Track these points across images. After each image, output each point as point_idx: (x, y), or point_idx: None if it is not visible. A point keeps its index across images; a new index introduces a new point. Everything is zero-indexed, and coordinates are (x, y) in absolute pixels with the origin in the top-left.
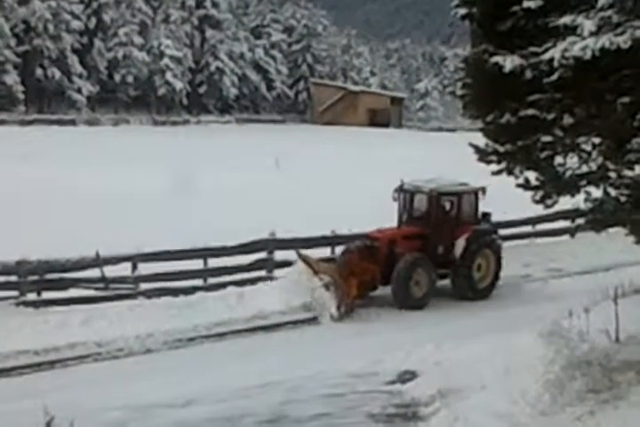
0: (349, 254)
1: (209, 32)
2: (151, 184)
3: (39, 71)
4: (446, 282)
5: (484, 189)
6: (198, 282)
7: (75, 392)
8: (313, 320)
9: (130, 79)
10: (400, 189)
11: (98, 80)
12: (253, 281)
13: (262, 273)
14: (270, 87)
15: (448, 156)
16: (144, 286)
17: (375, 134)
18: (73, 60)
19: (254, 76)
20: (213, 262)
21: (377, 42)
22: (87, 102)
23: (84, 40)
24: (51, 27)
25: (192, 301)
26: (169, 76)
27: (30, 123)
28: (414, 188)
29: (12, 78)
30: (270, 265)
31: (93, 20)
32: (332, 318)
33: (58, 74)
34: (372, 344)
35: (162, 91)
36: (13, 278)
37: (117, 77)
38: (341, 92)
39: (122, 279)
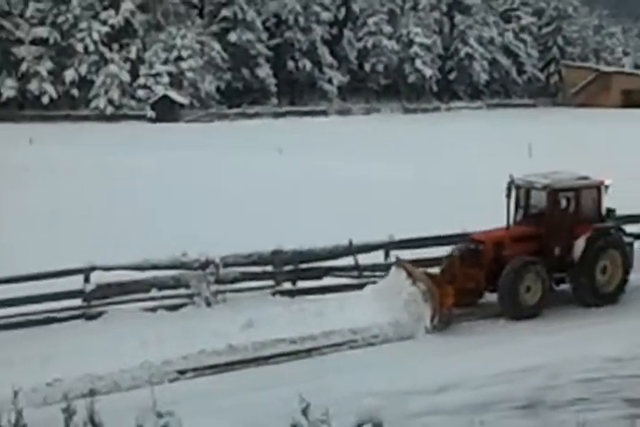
0: (451, 259)
1: (458, 18)
2: (407, 172)
3: (291, 63)
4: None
5: (606, 184)
6: None
7: (330, 380)
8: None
9: (380, 68)
10: (512, 185)
11: (348, 70)
12: None
13: None
14: (520, 71)
15: None
16: None
17: (628, 115)
18: (323, 51)
19: (504, 61)
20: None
21: (629, 21)
22: (338, 92)
23: (334, 31)
24: (301, 19)
25: None
26: (419, 63)
27: (283, 115)
28: (527, 183)
29: (264, 71)
30: None
31: (343, 11)
32: (427, 331)
33: (309, 65)
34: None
35: (412, 78)
36: (269, 268)
37: (367, 67)
38: (594, 73)
39: (374, 267)
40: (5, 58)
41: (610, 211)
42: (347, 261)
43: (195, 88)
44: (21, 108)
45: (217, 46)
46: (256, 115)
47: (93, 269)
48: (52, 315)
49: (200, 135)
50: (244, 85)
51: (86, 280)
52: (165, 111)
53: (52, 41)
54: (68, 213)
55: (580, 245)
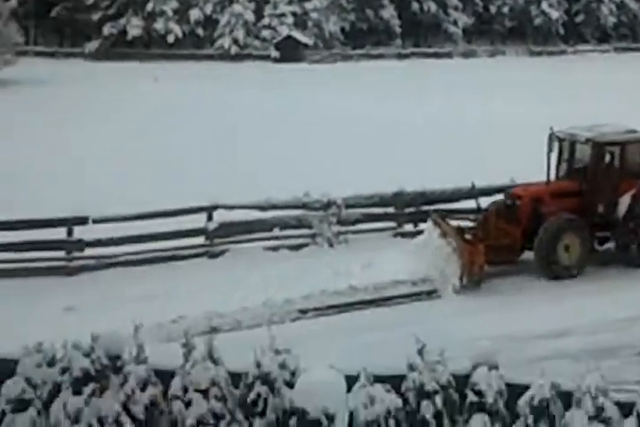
0: (486, 214)
1: None
2: (532, 115)
3: (415, 5)
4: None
5: None
6: None
7: (447, 322)
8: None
9: (505, 10)
10: (554, 138)
11: (473, 12)
12: None
13: None
14: None
15: None
16: None
17: None
18: None
19: (633, 4)
20: None
21: None
22: (463, 34)
23: None
24: None
25: None
26: (545, 5)
27: (407, 56)
28: (569, 136)
29: (388, 13)
30: None
31: None
32: (454, 290)
33: (434, 7)
34: None
35: (538, 21)
36: (391, 210)
37: (493, 9)
38: None
39: None
40: None
41: None
42: (469, 204)
43: (319, 28)
44: (147, 46)
45: None
46: (380, 56)
47: (216, 207)
48: (175, 252)
49: (325, 75)
50: (368, 26)
51: (209, 219)
52: (289, 51)
53: None
54: (194, 150)
55: (625, 202)
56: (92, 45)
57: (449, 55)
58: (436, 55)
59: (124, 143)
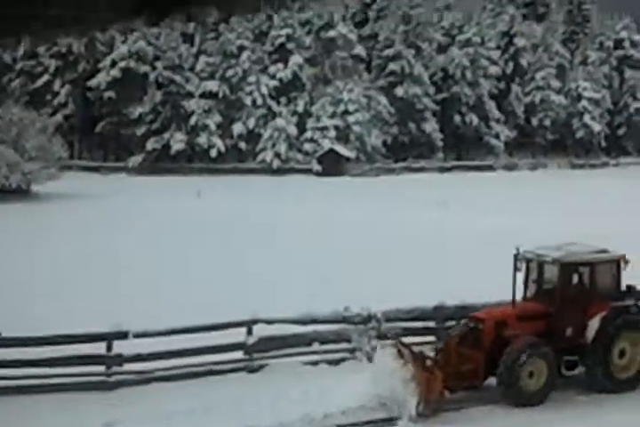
0: (448, 339)
1: (628, 72)
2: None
3: (457, 118)
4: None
5: (626, 258)
6: None
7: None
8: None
9: (547, 123)
10: (520, 257)
11: (515, 125)
12: None
13: None
14: None
15: None
16: None
17: None
18: (490, 106)
19: None
20: None
21: None
22: (505, 147)
23: (502, 85)
24: (468, 73)
25: None
26: (587, 118)
27: (449, 169)
28: (536, 256)
29: (430, 126)
30: None
31: (510, 65)
32: (410, 419)
33: (475, 120)
34: None
35: (580, 133)
36: (431, 324)
37: (535, 121)
38: None
39: None
40: (175, 111)
41: (630, 288)
42: None
43: (361, 142)
44: (190, 161)
45: (384, 100)
46: (422, 169)
47: (256, 322)
48: (215, 367)
49: (365, 189)
50: (410, 139)
51: (249, 333)
52: (332, 165)
53: (221, 94)
54: (232, 265)
55: (594, 325)
56: (135, 159)
57: (491, 168)
58: (478, 168)
59: (167, 257)
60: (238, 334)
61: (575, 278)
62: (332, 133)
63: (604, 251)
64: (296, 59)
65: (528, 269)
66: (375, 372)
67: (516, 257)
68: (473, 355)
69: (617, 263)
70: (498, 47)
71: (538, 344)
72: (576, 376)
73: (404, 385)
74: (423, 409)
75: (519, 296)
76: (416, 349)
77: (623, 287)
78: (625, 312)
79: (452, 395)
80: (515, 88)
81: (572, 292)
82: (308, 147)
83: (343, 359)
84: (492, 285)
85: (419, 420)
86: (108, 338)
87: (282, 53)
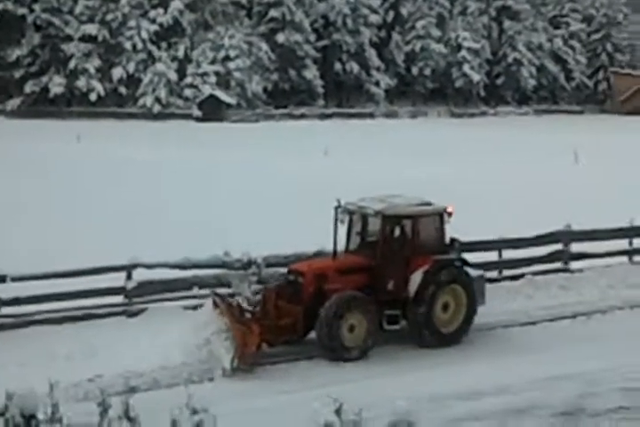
0: (266, 292)
1: (507, 23)
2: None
3: (338, 65)
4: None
5: (449, 211)
6: (492, 274)
7: (369, 382)
8: None
9: (427, 72)
10: (343, 210)
11: (395, 73)
12: (548, 273)
13: (558, 265)
14: (569, 78)
15: None
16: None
17: None
18: (371, 54)
19: (552, 67)
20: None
21: None
22: (385, 95)
23: (382, 34)
24: (349, 21)
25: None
26: (466, 68)
27: (329, 116)
28: (358, 208)
29: (311, 73)
30: (566, 257)
31: (391, 14)
32: (225, 373)
33: (356, 68)
34: None
35: (459, 83)
36: None
37: (415, 70)
38: None
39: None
40: (54, 55)
41: (454, 241)
42: None
43: (242, 88)
44: (69, 104)
45: (264, 47)
46: (302, 116)
47: (135, 266)
48: (93, 311)
49: (245, 135)
50: (291, 86)
51: (128, 277)
52: (212, 110)
53: (100, 38)
54: (114, 210)
55: (416, 278)
56: (13, 103)
57: (371, 115)
58: (359, 115)
59: (44, 201)
60: (118, 279)
61: (397, 231)
62: (213, 79)
63: (428, 204)
64: (176, 4)
65: (351, 221)
66: (196, 323)
67: (336, 209)
68: (292, 309)
69: (440, 216)
70: None
71: (357, 298)
72: (399, 331)
73: (219, 338)
74: (238, 364)
75: (342, 249)
76: (234, 301)
77: (447, 241)
78: (448, 266)
79: (271, 349)
80: (395, 37)
81: (393, 245)
82: (188, 92)
83: None
84: None
85: (234, 375)
86: None
87: None
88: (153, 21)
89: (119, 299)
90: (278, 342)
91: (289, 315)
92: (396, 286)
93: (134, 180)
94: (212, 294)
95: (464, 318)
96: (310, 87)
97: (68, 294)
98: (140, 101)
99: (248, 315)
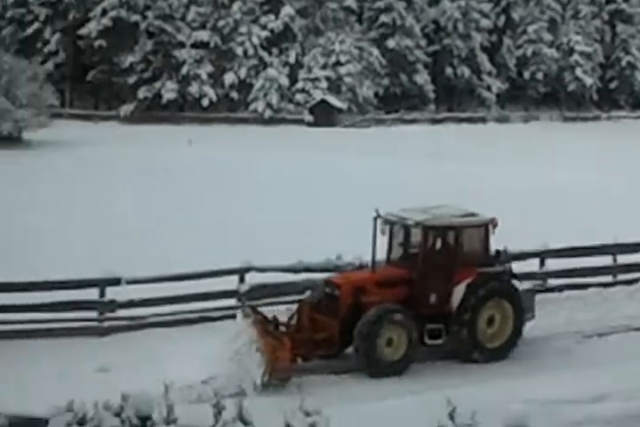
0: (301, 305)
1: (620, 26)
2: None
3: (449, 70)
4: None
5: (495, 222)
6: (606, 278)
7: (476, 386)
8: None
9: (539, 76)
10: (383, 220)
11: (507, 77)
12: None
13: None
14: None
15: None
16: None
17: None
18: (482, 59)
19: None
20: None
21: None
22: (497, 100)
23: (493, 38)
24: (460, 26)
25: (599, 295)
26: (579, 72)
27: (440, 121)
28: (399, 219)
29: (422, 78)
30: None
31: (502, 18)
32: (255, 388)
33: (467, 72)
34: None
35: (572, 87)
36: None
37: (526, 74)
38: None
39: (530, 275)
40: (167, 61)
41: (499, 253)
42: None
43: (352, 93)
44: (181, 110)
45: (375, 52)
46: (413, 120)
47: (248, 269)
48: (207, 314)
49: (356, 140)
50: (402, 91)
51: (241, 280)
52: (323, 116)
53: (212, 44)
54: (226, 214)
55: (459, 292)
56: (126, 108)
57: (483, 120)
58: (470, 120)
59: (156, 204)
60: (230, 282)
61: (439, 243)
62: (324, 84)
63: (473, 214)
64: (287, 10)
65: (392, 232)
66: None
67: (375, 220)
68: (328, 322)
69: (485, 227)
70: (490, 0)
71: (396, 311)
72: (442, 346)
73: (249, 352)
74: (269, 379)
75: (384, 260)
76: (269, 313)
77: (492, 252)
78: (493, 279)
79: (306, 363)
80: (506, 41)
81: (435, 257)
82: (299, 97)
83: None
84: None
85: (265, 390)
86: (101, 284)
87: (273, 4)
88: (264, 27)
89: (232, 302)
90: (314, 357)
91: (325, 329)
92: (438, 300)
93: (244, 184)
94: (245, 306)
95: (511, 332)
96: (421, 92)
97: (182, 297)
98: (252, 107)
99: (283, 328)
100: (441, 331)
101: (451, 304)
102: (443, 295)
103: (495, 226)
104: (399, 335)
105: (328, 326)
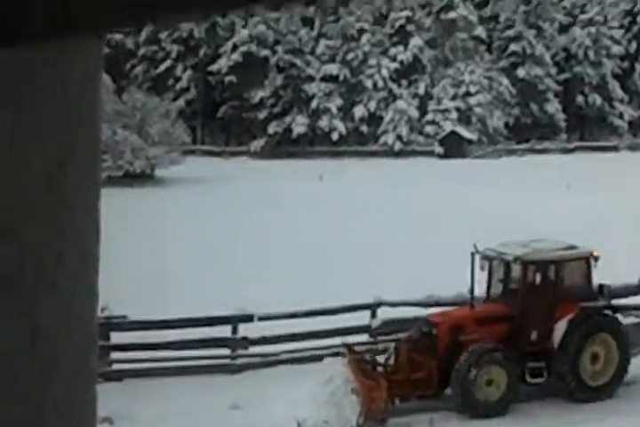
0: (399, 344)
1: None
2: None
3: (580, 98)
4: None
5: (596, 255)
6: None
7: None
8: None
9: None
10: (481, 256)
11: (639, 104)
12: None
13: None
14: None
15: None
16: None
17: None
18: (614, 86)
19: None
20: None
21: None
22: (629, 127)
23: (625, 64)
24: (591, 53)
25: None
26: None
27: (572, 150)
28: (497, 254)
29: (553, 106)
30: None
31: (634, 44)
32: None
33: (599, 100)
34: None
35: None
36: None
37: None
38: None
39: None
40: (296, 95)
41: (602, 287)
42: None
43: (482, 124)
44: (312, 144)
45: (505, 81)
46: (544, 150)
47: (380, 304)
48: (339, 350)
49: (489, 172)
50: (533, 121)
51: (373, 316)
52: (453, 147)
53: (341, 77)
54: (356, 247)
55: (561, 328)
56: (257, 143)
57: (615, 149)
58: (602, 149)
59: (283, 238)
60: (361, 318)
61: (539, 278)
62: (454, 115)
63: (573, 247)
64: (416, 41)
65: (491, 267)
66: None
67: (473, 255)
68: (426, 362)
69: (586, 261)
70: (621, 26)
71: (495, 350)
72: (543, 384)
73: (344, 394)
74: (365, 421)
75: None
76: (366, 353)
77: (595, 286)
78: (596, 313)
79: (404, 404)
80: (639, 67)
81: (536, 292)
82: (429, 129)
83: None
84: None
85: None
86: (233, 321)
87: (402, 36)
88: (393, 59)
89: (364, 338)
90: (412, 397)
91: (423, 368)
92: (539, 337)
93: (378, 218)
94: (343, 345)
95: (616, 369)
96: (552, 121)
97: (314, 334)
98: (382, 139)
99: (380, 368)
100: (542, 369)
101: (552, 341)
102: (544, 332)
103: (597, 259)
104: (499, 375)
105: (426, 365)
